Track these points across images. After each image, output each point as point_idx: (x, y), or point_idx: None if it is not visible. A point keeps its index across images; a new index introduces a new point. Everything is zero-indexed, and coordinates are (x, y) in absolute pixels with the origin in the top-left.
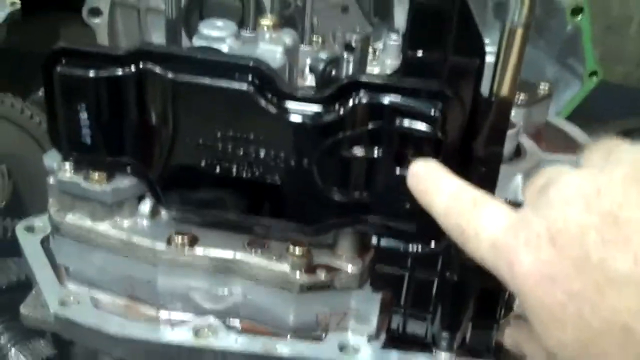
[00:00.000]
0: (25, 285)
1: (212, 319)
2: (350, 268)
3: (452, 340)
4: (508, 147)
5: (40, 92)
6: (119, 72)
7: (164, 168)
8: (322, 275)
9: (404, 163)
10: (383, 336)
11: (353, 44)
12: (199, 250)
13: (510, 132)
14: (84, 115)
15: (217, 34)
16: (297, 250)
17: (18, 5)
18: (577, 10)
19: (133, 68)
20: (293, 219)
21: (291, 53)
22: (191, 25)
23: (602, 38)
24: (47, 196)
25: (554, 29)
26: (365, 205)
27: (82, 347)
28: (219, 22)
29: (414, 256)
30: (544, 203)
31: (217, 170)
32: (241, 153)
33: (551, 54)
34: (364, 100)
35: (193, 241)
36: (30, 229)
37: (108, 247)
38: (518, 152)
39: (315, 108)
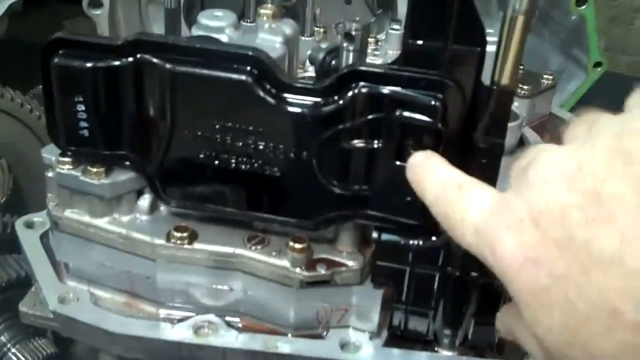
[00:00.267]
0: (26, 283)
1: (212, 317)
2: (350, 263)
3: (454, 337)
4: (511, 139)
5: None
6: (117, 62)
7: (162, 161)
8: (322, 270)
9: (404, 154)
10: (385, 333)
11: (353, 34)
12: (198, 246)
13: (513, 124)
14: (81, 108)
15: (216, 24)
16: (297, 246)
17: None
18: (581, 0)
19: (130, 58)
20: (293, 213)
21: (291, 43)
22: (192, 15)
23: (607, 28)
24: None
25: (558, 19)
26: (366, 198)
27: (83, 345)
28: (218, 12)
29: (415, 251)
30: (524, 184)
31: (216, 162)
32: (240, 145)
33: (555, 45)
34: (364, 91)
35: (192, 236)
36: (29, 225)
37: (107, 243)
38: (521, 144)
39: (314, 98)
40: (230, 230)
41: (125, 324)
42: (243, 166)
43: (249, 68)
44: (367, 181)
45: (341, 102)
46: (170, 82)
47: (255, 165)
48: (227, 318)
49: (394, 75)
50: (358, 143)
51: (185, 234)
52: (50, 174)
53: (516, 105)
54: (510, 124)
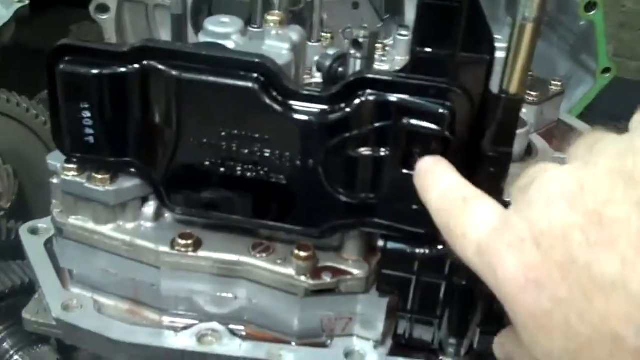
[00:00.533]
0: (30, 289)
1: (216, 325)
2: (356, 272)
3: (460, 346)
4: (519, 146)
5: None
6: (122, 69)
7: (167, 168)
8: (327, 278)
9: (411, 163)
10: (389, 342)
11: (360, 40)
12: (202, 253)
13: (521, 131)
14: (86, 114)
15: (222, 30)
16: (303, 254)
17: (26, 2)
18: (590, 6)
19: (136, 65)
20: (298, 221)
21: (298, 50)
22: (199, 21)
23: (616, 34)
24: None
25: (566, 24)
26: (372, 206)
27: (86, 353)
28: (225, 18)
29: (421, 259)
30: (525, 203)
31: (222, 170)
32: (246, 152)
33: (564, 50)
34: (371, 98)
35: (197, 244)
36: (34, 231)
37: (111, 250)
38: (529, 151)
39: (321, 106)
40: (235, 237)
41: (129, 332)
42: (249, 174)
43: (255, 75)
44: (374, 189)
45: (348, 109)
46: (176, 89)
47: (261, 172)
48: (231, 326)
49: (401, 83)
50: (365, 151)
51: (189, 242)
52: (55, 181)
53: (524, 112)
54: (518, 131)
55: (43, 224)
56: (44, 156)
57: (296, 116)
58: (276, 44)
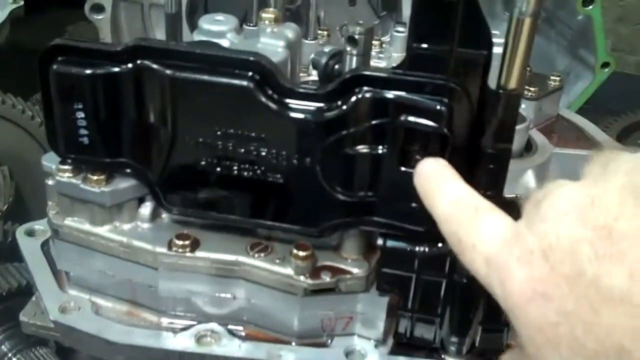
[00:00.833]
0: (27, 292)
1: (215, 325)
2: (355, 271)
3: (461, 345)
4: (518, 142)
5: None
6: (116, 69)
7: (163, 168)
8: (326, 278)
9: (410, 160)
10: (390, 341)
11: (356, 37)
12: (200, 254)
13: (520, 126)
14: (80, 115)
15: (217, 29)
16: (301, 253)
17: (21, 2)
18: (588, 0)
19: (130, 65)
20: (296, 220)
21: (293, 47)
22: (195, 20)
23: (614, 28)
24: None
25: (564, 19)
26: (371, 204)
27: (85, 355)
28: (219, 17)
29: (421, 257)
30: (536, 217)
31: (218, 169)
32: (242, 151)
33: (562, 45)
34: (368, 95)
35: (194, 244)
36: (30, 233)
37: (108, 251)
38: (529, 146)
39: (317, 104)
40: (232, 237)
41: (127, 334)
42: (245, 173)
43: (250, 73)
44: (372, 187)
45: (345, 107)
46: (170, 89)
47: (258, 172)
48: (230, 326)
49: (398, 80)
50: (362, 149)
51: (187, 242)
52: (50, 182)
53: (523, 107)
54: (517, 127)
55: (40, 225)
56: (40, 157)
57: (292, 114)
58: (271, 41)
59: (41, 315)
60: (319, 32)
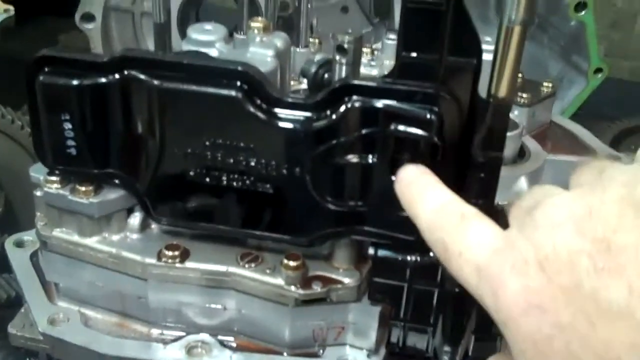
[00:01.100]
0: (17, 303)
1: (205, 336)
2: (347, 280)
3: (454, 354)
4: (511, 149)
5: None
6: (103, 79)
7: (152, 179)
8: (318, 288)
9: (400, 169)
10: (383, 351)
11: (345, 46)
12: (190, 264)
13: (513, 133)
14: (68, 126)
15: (206, 38)
16: (292, 263)
17: (12, 12)
18: (580, 6)
19: (117, 75)
20: (286, 230)
21: (282, 56)
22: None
23: (607, 34)
24: None
25: (557, 25)
26: (361, 214)
27: None
28: (208, 26)
29: (412, 266)
30: (531, 225)
31: (207, 180)
32: (231, 162)
33: (555, 51)
34: (357, 105)
35: (184, 255)
36: (19, 244)
37: (97, 263)
38: (521, 153)
39: (306, 113)
40: (223, 247)
41: (117, 346)
42: (235, 183)
43: (238, 83)
44: (363, 197)
45: (334, 116)
46: (158, 99)
47: (247, 182)
48: (221, 337)
49: (387, 89)
50: (352, 158)
51: (176, 253)
52: (38, 193)
53: (516, 114)
54: (510, 133)
55: (29, 236)
56: (30, 168)
57: (281, 124)
58: (260, 50)
59: (30, 327)
60: (311, 40)
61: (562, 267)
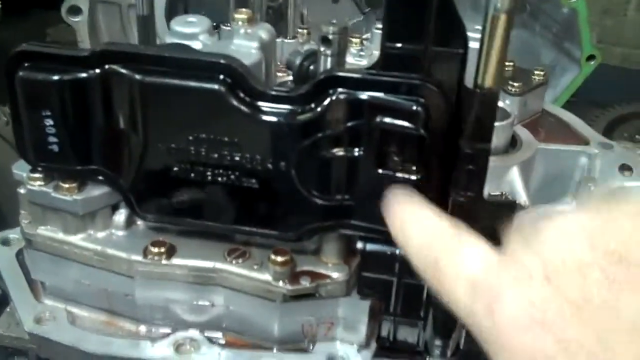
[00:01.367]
0: (3, 301)
1: (193, 333)
2: (335, 275)
3: (446, 347)
4: (503, 138)
5: None
6: (84, 74)
7: (136, 175)
8: (306, 283)
9: (387, 162)
10: (373, 345)
11: (330, 37)
12: (176, 261)
13: (504, 123)
14: (49, 122)
15: (189, 31)
16: (279, 259)
17: None
18: None
19: (98, 70)
20: (273, 225)
21: (267, 48)
22: None
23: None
24: None
25: (549, 12)
26: (349, 208)
27: None
28: (192, 18)
29: (402, 260)
30: (536, 240)
31: (192, 175)
32: (215, 156)
33: (547, 39)
34: (342, 97)
35: (170, 251)
36: (5, 242)
37: (83, 260)
38: (513, 142)
39: (290, 106)
40: (209, 243)
41: (104, 344)
42: (220, 178)
43: (221, 77)
44: (350, 190)
45: (319, 109)
46: (140, 93)
47: (232, 177)
48: (209, 334)
49: (373, 80)
50: (338, 152)
51: (162, 249)
52: (22, 191)
53: (507, 103)
54: (501, 123)
55: (14, 234)
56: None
57: (265, 117)
58: (244, 42)
59: (16, 326)
60: (299, 30)
61: (571, 279)
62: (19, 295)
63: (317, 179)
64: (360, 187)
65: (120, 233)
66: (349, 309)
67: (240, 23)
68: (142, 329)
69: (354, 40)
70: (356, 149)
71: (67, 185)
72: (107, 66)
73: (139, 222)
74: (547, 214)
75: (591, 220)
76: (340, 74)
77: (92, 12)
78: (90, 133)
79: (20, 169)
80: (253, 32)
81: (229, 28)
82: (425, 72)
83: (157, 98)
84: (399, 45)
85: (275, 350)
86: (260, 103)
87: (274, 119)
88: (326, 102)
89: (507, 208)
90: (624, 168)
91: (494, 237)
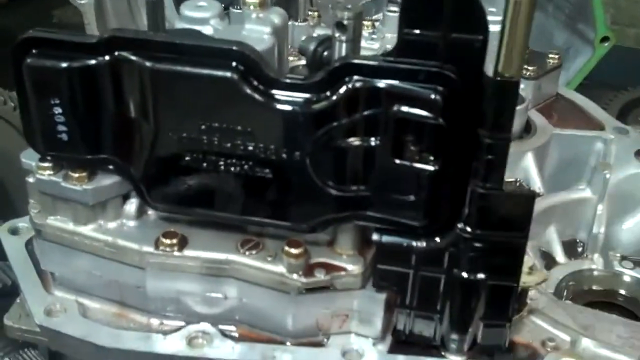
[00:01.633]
0: (13, 292)
1: (206, 326)
2: (350, 267)
3: (462, 342)
4: (517, 123)
5: None
6: (93, 61)
7: (147, 164)
8: (321, 275)
9: (404, 152)
10: (389, 338)
11: (345, 23)
12: (188, 253)
13: (519, 108)
14: (58, 110)
15: (200, 15)
16: (293, 251)
17: None
18: None
19: (107, 57)
20: (287, 216)
21: (280, 33)
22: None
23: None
24: None
25: None
26: (364, 198)
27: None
28: (202, 2)
29: (418, 252)
30: None
31: (204, 165)
32: (228, 146)
33: (560, 20)
34: (358, 85)
35: (182, 243)
36: (14, 231)
37: (93, 251)
38: (528, 128)
39: (305, 95)
40: (222, 234)
41: (116, 337)
42: (232, 168)
43: (234, 64)
44: (365, 181)
45: (334, 97)
46: (150, 81)
47: (245, 167)
48: (222, 327)
49: (390, 68)
50: (354, 141)
51: (174, 241)
52: (30, 180)
53: (522, 87)
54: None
55: (24, 223)
56: (24, 150)
57: (279, 106)
58: (256, 27)
59: (26, 318)
60: (310, 13)
61: None
62: (29, 287)
63: (332, 169)
64: (376, 178)
65: (132, 223)
66: (364, 302)
67: (252, 7)
68: (154, 321)
69: (365, 23)
70: (372, 139)
71: (76, 175)
72: (116, 53)
73: (150, 212)
74: None
75: None
76: (356, 61)
77: None
78: (100, 121)
79: (29, 157)
80: (265, 16)
81: (239, 11)
82: (444, 59)
83: (168, 86)
84: (417, 31)
85: (288, 344)
86: (274, 91)
87: (288, 107)
88: (342, 90)
89: (526, 199)
90: None
91: (512, 228)
